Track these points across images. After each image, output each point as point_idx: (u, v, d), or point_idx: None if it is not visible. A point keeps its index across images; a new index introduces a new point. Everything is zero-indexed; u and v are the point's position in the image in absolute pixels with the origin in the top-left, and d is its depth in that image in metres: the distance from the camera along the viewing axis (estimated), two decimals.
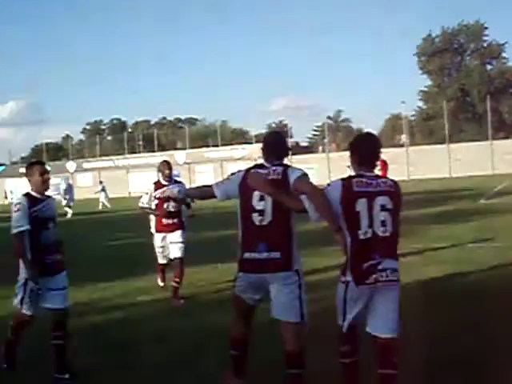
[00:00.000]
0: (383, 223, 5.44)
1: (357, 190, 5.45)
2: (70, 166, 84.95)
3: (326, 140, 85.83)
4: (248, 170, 6.14)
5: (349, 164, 5.93)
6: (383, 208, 5.45)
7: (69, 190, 42.83)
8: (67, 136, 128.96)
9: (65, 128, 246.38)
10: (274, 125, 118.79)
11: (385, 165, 42.39)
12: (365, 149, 5.75)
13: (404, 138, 79.19)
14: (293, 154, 75.02)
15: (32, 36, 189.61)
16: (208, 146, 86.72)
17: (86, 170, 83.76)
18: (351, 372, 5.68)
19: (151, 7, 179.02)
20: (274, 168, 6.08)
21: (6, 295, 10.06)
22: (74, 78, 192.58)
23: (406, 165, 67.29)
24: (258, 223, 5.82)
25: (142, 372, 6.95)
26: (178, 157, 79.36)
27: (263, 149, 6.30)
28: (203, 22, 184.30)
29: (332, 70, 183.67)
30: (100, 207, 47.44)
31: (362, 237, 5.41)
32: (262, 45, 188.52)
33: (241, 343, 6.10)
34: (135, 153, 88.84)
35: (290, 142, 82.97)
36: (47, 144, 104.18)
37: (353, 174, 5.68)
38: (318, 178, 67.98)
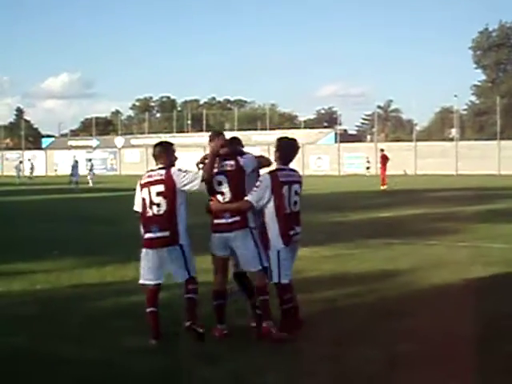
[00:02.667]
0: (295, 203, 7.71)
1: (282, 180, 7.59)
2: (119, 141, 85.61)
3: (374, 129, 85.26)
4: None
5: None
6: (296, 192, 7.72)
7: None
8: (117, 111, 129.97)
9: (114, 103, 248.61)
10: (322, 111, 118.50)
11: (384, 159, 42.37)
12: (288, 149, 7.85)
13: (454, 132, 78.35)
14: (341, 142, 74.77)
15: (88, 13, 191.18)
16: (256, 129, 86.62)
17: (134, 146, 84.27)
18: (290, 314, 7.58)
19: None
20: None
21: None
22: (127, 54, 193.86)
23: (454, 159, 66.54)
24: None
25: None
26: None
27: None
28: (257, 5, 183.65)
29: (384, 60, 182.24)
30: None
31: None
32: (315, 30, 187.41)
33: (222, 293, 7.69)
34: (183, 132, 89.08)
35: (339, 129, 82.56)
36: (97, 118, 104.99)
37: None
38: (364, 168, 68.04)
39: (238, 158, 7.53)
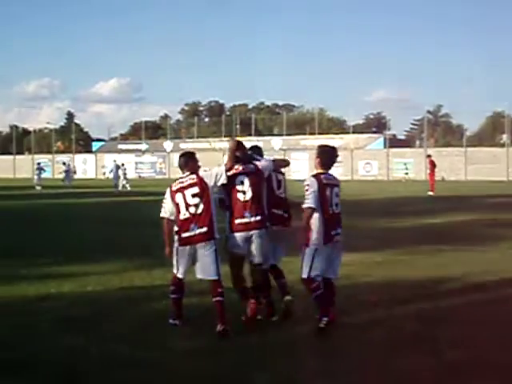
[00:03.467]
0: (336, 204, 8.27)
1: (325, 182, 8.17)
2: (168, 145, 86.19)
3: (424, 134, 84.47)
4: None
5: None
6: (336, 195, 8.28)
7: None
8: (165, 115, 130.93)
9: (163, 107, 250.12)
10: (371, 116, 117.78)
11: (432, 165, 41.93)
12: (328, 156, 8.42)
13: (505, 137, 77.24)
14: (390, 147, 74.27)
15: (138, 19, 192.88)
16: (305, 134, 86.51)
17: (183, 150, 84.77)
18: (324, 295, 8.05)
19: None
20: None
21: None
22: (175, 58, 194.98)
23: (505, 165, 65.66)
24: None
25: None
26: (274, 143, 79.62)
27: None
28: (308, 9, 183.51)
29: (434, 64, 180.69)
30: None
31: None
32: (364, 35, 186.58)
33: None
34: (232, 136, 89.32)
35: (388, 134, 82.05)
36: (146, 122, 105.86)
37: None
38: (414, 173, 67.59)
39: (257, 162, 8.42)
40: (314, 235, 8.03)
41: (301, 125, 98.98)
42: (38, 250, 14.69)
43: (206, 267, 8.05)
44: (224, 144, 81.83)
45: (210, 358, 6.98)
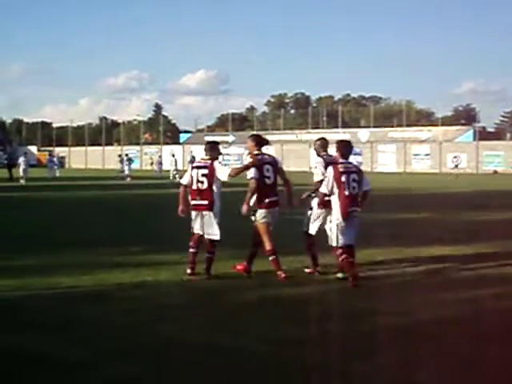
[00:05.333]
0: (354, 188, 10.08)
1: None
2: None
3: None
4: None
5: None
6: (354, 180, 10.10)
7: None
8: (251, 107, 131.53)
9: (249, 99, 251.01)
10: (460, 108, 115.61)
11: None
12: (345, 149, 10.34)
13: None
14: (479, 140, 72.83)
15: (225, 12, 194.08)
16: (392, 126, 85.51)
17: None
18: (350, 260, 10.06)
19: None
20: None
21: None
22: (262, 50, 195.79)
23: None
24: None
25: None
26: (361, 135, 79.05)
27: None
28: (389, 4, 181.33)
29: None
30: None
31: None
32: (452, 27, 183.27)
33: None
34: (318, 128, 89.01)
35: (477, 126, 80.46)
36: (232, 114, 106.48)
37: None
38: (504, 166, 66.07)
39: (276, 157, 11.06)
40: (335, 213, 10.09)
41: (388, 117, 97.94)
42: (130, 239, 14.91)
43: (208, 230, 10.65)
44: (310, 136, 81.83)
45: (312, 347, 6.97)
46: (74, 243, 14.20)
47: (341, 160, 10.26)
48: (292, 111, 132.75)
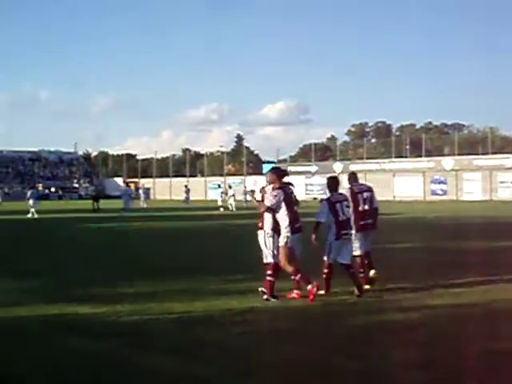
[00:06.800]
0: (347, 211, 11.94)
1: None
2: (337, 166, 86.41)
3: None
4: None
5: None
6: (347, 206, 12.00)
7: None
8: (332, 137, 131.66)
9: (330, 129, 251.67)
10: None
11: None
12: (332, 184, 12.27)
13: None
14: None
15: (303, 42, 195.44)
16: (477, 154, 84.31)
17: (352, 171, 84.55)
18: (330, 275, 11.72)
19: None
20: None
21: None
22: (341, 79, 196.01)
23: None
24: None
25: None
26: (445, 163, 78.20)
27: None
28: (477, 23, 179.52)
29: None
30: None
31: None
32: None
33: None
34: (401, 157, 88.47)
35: None
36: (314, 144, 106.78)
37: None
38: None
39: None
40: (330, 234, 11.70)
41: (472, 144, 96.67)
42: (232, 267, 15.39)
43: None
44: (394, 165, 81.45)
45: (428, 369, 7.20)
46: (177, 271, 14.77)
47: (332, 194, 12.04)
48: (373, 140, 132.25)
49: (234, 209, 50.91)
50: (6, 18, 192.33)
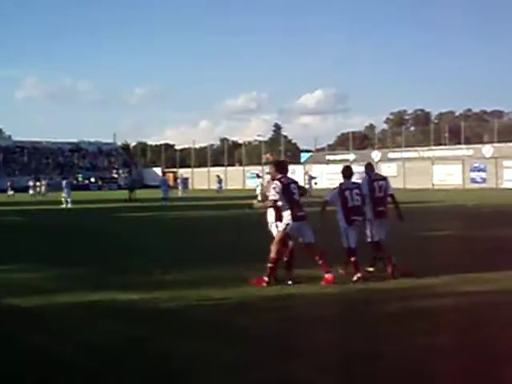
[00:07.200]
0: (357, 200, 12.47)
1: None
2: (375, 155, 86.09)
3: None
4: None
5: None
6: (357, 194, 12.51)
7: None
8: (371, 125, 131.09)
9: (368, 117, 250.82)
10: None
11: None
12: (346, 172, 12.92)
13: None
14: None
15: (337, 30, 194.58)
16: None
17: (390, 159, 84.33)
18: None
19: None
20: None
21: None
22: (380, 68, 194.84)
23: None
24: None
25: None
26: (485, 150, 77.42)
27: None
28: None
29: None
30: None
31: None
32: None
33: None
34: (440, 144, 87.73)
35: None
36: (352, 133, 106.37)
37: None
38: None
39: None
40: (341, 220, 12.42)
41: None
42: (265, 256, 15.44)
43: None
44: (433, 153, 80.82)
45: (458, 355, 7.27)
46: (213, 259, 14.97)
47: (344, 181, 12.83)
48: (412, 128, 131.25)
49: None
50: (45, 10, 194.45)
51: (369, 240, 12.83)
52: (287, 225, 11.78)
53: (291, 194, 11.93)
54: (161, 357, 7.39)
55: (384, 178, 13.54)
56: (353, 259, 12.16)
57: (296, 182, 12.34)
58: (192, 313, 9.71)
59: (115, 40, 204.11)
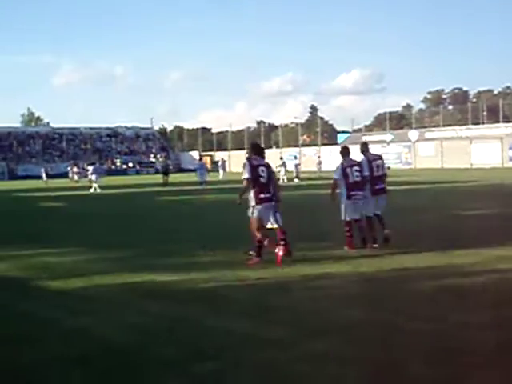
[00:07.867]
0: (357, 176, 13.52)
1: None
2: (413, 134, 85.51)
3: None
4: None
5: None
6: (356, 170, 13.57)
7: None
8: (408, 105, 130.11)
9: (405, 97, 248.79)
10: None
11: None
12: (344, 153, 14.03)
13: None
14: None
15: (372, 10, 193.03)
16: None
17: (428, 139, 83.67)
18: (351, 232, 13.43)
19: None
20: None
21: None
22: (415, 46, 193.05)
23: None
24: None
25: None
26: None
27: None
28: None
29: None
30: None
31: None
32: None
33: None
34: (478, 123, 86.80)
35: None
36: (390, 113, 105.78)
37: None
38: None
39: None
40: (342, 196, 13.58)
41: None
42: (315, 236, 15.90)
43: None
44: (471, 132, 79.97)
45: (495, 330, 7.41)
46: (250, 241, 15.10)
47: (345, 159, 13.87)
48: (450, 107, 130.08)
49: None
50: None
51: (369, 214, 13.76)
52: (253, 207, 12.30)
53: (258, 176, 12.32)
54: (199, 335, 7.64)
55: (380, 157, 14.48)
56: (348, 233, 13.34)
57: (268, 166, 12.63)
58: (230, 293, 9.93)
59: (148, 23, 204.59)
